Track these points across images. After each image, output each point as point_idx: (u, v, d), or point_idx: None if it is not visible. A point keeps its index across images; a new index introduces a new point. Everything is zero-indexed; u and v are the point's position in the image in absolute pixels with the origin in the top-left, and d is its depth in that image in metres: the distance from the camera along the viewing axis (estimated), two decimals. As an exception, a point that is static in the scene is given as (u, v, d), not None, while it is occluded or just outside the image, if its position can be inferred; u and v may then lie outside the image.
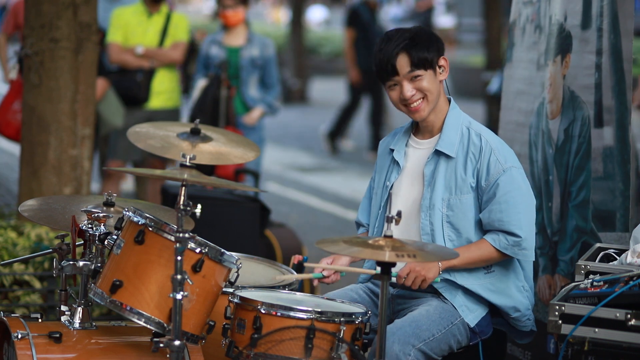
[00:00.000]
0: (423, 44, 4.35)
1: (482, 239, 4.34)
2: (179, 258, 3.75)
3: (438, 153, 4.39)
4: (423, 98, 4.37)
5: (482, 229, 4.37)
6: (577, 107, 5.07)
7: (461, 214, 4.35)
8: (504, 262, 4.39)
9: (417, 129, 4.51)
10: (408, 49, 4.34)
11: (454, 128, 4.40)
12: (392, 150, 4.51)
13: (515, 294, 4.41)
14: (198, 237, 3.95)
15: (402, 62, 4.34)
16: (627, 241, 4.79)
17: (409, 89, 4.36)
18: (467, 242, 4.36)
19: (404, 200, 4.42)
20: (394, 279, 4.27)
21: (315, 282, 4.46)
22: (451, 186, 4.36)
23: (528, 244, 4.33)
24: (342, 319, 3.96)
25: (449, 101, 4.47)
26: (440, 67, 4.39)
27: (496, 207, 4.30)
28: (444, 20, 31.75)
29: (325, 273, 4.45)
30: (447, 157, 4.37)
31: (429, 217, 4.38)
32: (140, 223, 3.99)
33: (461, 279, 4.36)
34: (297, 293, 4.36)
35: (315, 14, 37.33)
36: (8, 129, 7.77)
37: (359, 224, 4.72)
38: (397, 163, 4.49)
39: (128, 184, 10.78)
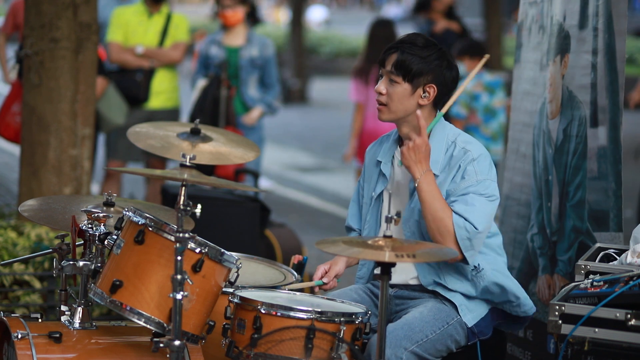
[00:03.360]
0: (420, 57, 4.31)
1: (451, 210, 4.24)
2: (179, 258, 3.75)
3: None
4: (386, 105, 4.36)
5: None
6: (575, 106, 5.07)
7: None
8: (487, 258, 4.36)
9: (402, 141, 4.47)
10: (403, 51, 4.33)
11: (439, 145, 4.35)
12: (380, 162, 4.50)
13: (507, 283, 4.38)
14: (198, 237, 3.95)
15: (391, 59, 4.35)
16: (620, 241, 4.80)
17: (382, 86, 4.37)
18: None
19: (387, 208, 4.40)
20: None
21: (317, 290, 4.48)
22: None
23: (477, 244, 4.22)
24: (342, 319, 3.96)
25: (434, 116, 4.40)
26: (424, 91, 4.33)
27: (462, 201, 4.21)
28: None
29: (325, 280, 4.47)
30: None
31: (410, 228, 4.37)
32: (140, 223, 3.99)
33: (457, 284, 4.35)
34: (297, 293, 4.36)
35: (315, 14, 37.37)
36: (7, 131, 7.78)
37: (349, 229, 4.68)
38: (384, 175, 4.48)
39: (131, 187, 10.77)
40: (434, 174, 4.29)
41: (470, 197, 4.24)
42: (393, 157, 4.48)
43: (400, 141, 4.48)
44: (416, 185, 4.24)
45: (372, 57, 9.41)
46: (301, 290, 4.47)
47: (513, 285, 4.40)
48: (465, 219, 4.21)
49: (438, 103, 4.39)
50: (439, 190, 4.25)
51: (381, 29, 9.82)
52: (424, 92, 4.33)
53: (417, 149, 4.23)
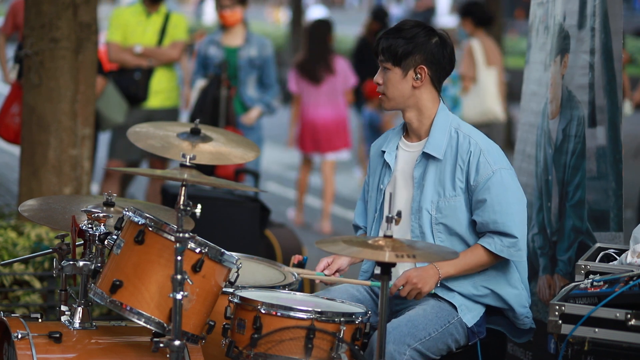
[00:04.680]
0: (405, 38, 4.30)
1: (475, 245, 4.32)
2: (179, 258, 3.75)
3: (426, 156, 4.36)
4: (385, 94, 4.37)
5: (475, 229, 4.36)
6: (574, 106, 5.08)
7: (452, 216, 4.33)
8: (496, 263, 4.38)
9: (407, 131, 4.49)
10: (388, 37, 4.33)
11: (442, 130, 4.36)
12: (384, 153, 4.50)
13: (509, 293, 4.39)
14: (198, 237, 3.95)
15: (380, 48, 4.35)
16: (620, 241, 4.79)
17: (378, 76, 4.37)
18: (459, 243, 4.35)
19: (397, 202, 4.40)
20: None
21: (318, 281, 4.48)
22: (440, 189, 4.34)
23: (523, 244, 4.32)
24: (342, 319, 3.96)
25: (439, 102, 4.42)
26: (416, 73, 4.32)
27: (489, 209, 4.27)
28: (446, 20, 31.75)
29: (327, 272, 4.46)
30: (436, 159, 4.34)
31: (418, 220, 4.36)
32: (140, 223, 3.99)
33: (455, 284, 4.35)
34: (297, 293, 4.36)
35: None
36: (7, 133, 7.77)
37: (356, 227, 4.69)
38: (389, 165, 4.47)
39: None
40: (438, 158, 4.31)
41: (495, 196, 4.26)
42: (397, 147, 4.48)
43: (404, 129, 4.48)
44: (445, 276, 4.30)
45: (312, 53, 10.48)
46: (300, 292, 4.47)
47: (512, 297, 4.40)
48: (498, 233, 4.27)
49: (437, 83, 4.38)
50: (455, 260, 4.25)
51: (318, 28, 10.67)
52: (416, 74, 4.33)
53: (414, 283, 4.25)
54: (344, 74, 10.62)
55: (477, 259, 4.30)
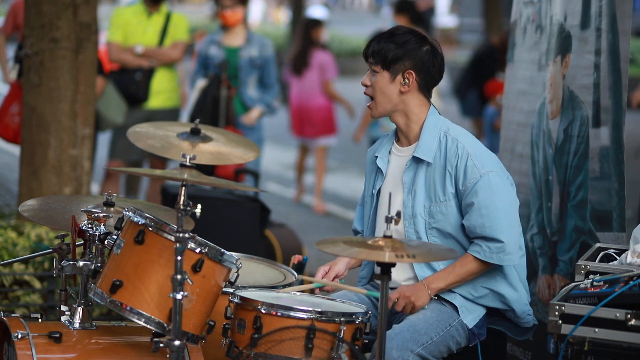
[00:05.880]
0: (396, 43, 4.30)
1: (465, 254, 4.31)
2: (179, 258, 3.75)
3: (416, 160, 4.36)
4: (373, 98, 4.37)
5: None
6: (577, 107, 5.07)
7: (444, 221, 4.32)
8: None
9: (398, 136, 4.48)
10: (380, 40, 4.33)
11: (432, 134, 4.35)
12: (377, 158, 4.50)
13: (509, 292, 4.38)
14: (198, 237, 3.95)
15: (370, 50, 4.35)
16: (623, 241, 4.79)
17: (366, 79, 4.38)
18: (455, 245, 4.35)
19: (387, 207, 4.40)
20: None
21: (317, 291, 4.47)
22: (431, 194, 4.33)
23: (511, 248, 4.28)
24: (342, 319, 3.96)
25: (429, 107, 4.41)
26: (404, 78, 4.32)
27: (476, 213, 4.26)
28: (446, 20, 31.73)
29: (324, 281, 4.46)
30: (426, 163, 4.34)
31: (414, 226, 4.36)
32: (140, 223, 3.99)
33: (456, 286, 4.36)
34: (297, 293, 4.36)
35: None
36: (6, 132, 7.78)
37: (355, 232, 4.69)
38: (380, 170, 4.47)
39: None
40: (426, 161, 4.31)
41: (482, 199, 4.24)
42: (389, 152, 4.48)
43: (397, 135, 4.48)
44: (436, 291, 4.31)
45: (297, 47, 11.47)
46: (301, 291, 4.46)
47: (512, 296, 4.39)
48: (485, 238, 4.25)
49: (426, 90, 4.37)
50: (445, 273, 4.26)
51: (305, 24, 11.63)
52: (404, 79, 4.33)
53: (407, 297, 4.26)
54: (319, 67, 11.43)
55: (467, 268, 4.29)
